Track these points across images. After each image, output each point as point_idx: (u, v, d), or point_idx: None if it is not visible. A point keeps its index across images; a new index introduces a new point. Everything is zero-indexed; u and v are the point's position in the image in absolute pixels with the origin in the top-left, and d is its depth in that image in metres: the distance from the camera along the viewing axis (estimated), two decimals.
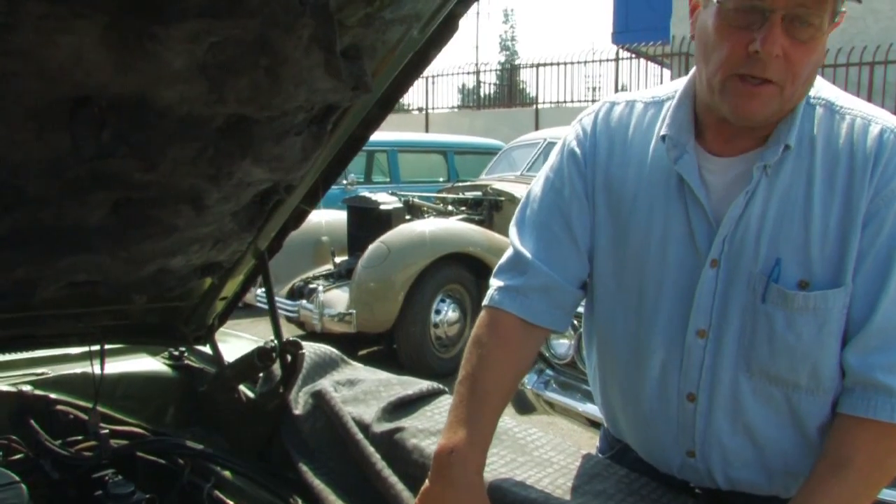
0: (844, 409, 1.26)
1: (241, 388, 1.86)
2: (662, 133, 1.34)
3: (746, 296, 1.29)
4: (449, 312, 6.27)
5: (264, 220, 1.58)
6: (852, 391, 1.26)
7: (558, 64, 17.53)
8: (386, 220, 6.60)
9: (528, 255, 1.42)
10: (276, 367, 1.79)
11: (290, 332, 6.54)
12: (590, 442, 4.12)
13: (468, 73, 20.51)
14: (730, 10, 1.19)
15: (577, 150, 1.44)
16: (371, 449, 1.55)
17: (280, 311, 6.19)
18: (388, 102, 1.47)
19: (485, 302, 1.45)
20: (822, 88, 1.32)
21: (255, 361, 1.75)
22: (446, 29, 1.34)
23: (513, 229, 1.48)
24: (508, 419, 1.70)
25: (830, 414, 1.31)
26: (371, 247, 6.09)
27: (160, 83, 1.11)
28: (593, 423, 3.59)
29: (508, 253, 1.47)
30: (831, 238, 1.24)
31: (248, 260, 1.73)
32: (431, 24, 1.30)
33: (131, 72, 1.07)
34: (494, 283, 1.45)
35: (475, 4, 1.35)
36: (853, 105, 1.30)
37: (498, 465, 1.48)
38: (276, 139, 1.33)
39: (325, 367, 1.89)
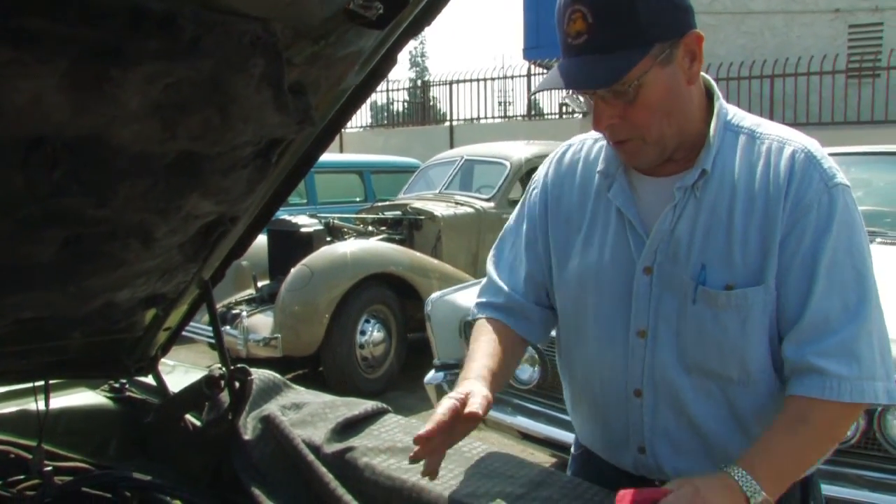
0: (787, 393, 1.40)
1: (187, 416, 1.87)
2: (598, 169, 1.56)
3: (679, 299, 1.45)
4: (374, 333, 6.29)
5: (209, 251, 1.61)
6: (790, 379, 1.40)
7: (471, 80, 17.70)
8: (307, 243, 6.59)
9: (503, 285, 1.66)
10: (223, 394, 1.81)
11: (213, 358, 6.48)
12: (521, 454, 4.20)
13: (380, 90, 20.58)
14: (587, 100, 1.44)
15: (540, 189, 1.66)
16: (323, 469, 1.59)
17: (203, 338, 6.13)
18: (330, 133, 1.52)
19: (469, 318, 1.70)
20: (745, 119, 1.49)
21: (204, 389, 1.77)
22: (386, 63, 1.40)
23: (490, 261, 1.72)
24: None
25: (765, 404, 1.45)
26: (294, 270, 6.08)
27: (115, 123, 1.13)
28: (525, 436, 3.67)
29: (486, 281, 1.71)
30: (752, 245, 1.39)
31: (192, 290, 1.75)
32: (373, 59, 1.36)
33: (88, 113, 1.09)
34: (477, 301, 1.70)
35: None
36: (771, 130, 1.46)
37: (448, 479, 1.53)
38: (224, 173, 1.37)
39: (269, 392, 1.91)
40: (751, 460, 1.32)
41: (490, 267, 1.71)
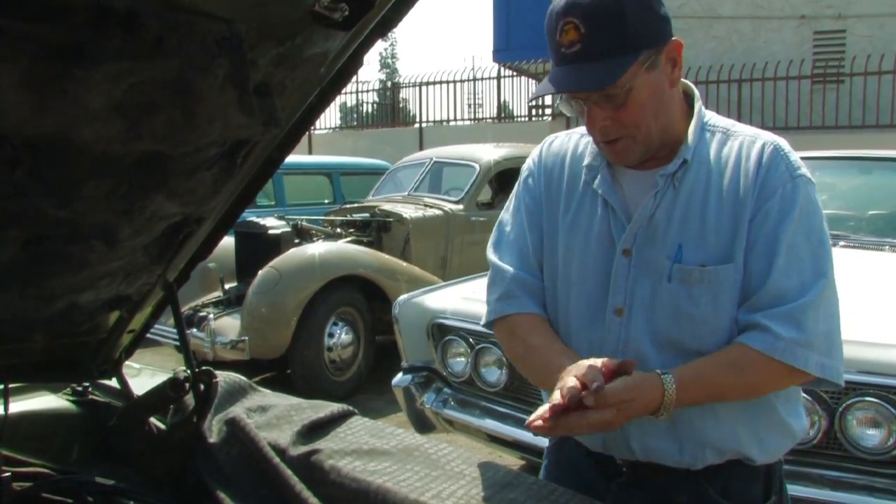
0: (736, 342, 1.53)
1: (151, 419, 1.85)
2: (584, 164, 1.67)
3: (654, 280, 1.56)
4: (342, 335, 6.28)
5: (174, 253, 1.59)
6: (739, 336, 1.52)
7: (441, 82, 17.70)
8: (275, 245, 6.55)
9: (507, 267, 1.71)
10: (187, 397, 1.79)
11: (179, 361, 6.43)
12: (489, 457, 4.21)
13: (349, 92, 20.49)
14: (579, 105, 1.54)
15: (530, 178, 1.76)
16: (289, 472, 1.58)
17: (169, 341, 6.07)
18: (296, 134, 1.52)
19: (488, 318, 1.73)
20: (720, 120, 1.64)
21: (168, 392, 1.75)
22: (353, 64, 1.40)
23: (490, 250, 1.77)
24: (419, 436, 1.77)
25: None
26: (261, 272, 6.05)
27: (77, 123, 1.12)
28: (493, 439, 3.68)
29: (491, 271, 1.75)
30: (724, 227, 1.52)
31: (156, 292, 1.73)
32: (339, 60, 1.36)
33: (49, 112, 1.08)
34: (489, 298, 1.74)
35: None
36: (743, 129, 1.61)
37: (413, 480, 1.53)
38: (189, 173, 1.36)
39: (235, 394, 1.90)
40: (681, 376, 1.46)
41: (493, 258, 1.75)
